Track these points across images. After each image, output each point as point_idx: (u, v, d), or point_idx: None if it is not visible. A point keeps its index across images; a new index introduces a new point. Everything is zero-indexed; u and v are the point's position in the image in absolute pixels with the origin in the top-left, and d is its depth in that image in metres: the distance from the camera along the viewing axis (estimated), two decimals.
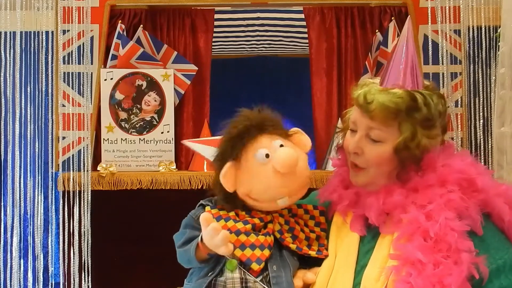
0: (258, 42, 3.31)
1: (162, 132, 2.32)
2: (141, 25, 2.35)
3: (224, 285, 1.35)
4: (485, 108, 2.18)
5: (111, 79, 2.32)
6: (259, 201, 1.40)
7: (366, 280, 1.33)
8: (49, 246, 2.27)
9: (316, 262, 1.43)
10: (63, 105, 2.30)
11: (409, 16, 1.65)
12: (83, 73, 2.29)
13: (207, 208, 1.44)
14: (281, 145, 1.40)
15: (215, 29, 2.48)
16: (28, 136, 2.25)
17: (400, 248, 1.31)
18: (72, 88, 2.30)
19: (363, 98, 1.39)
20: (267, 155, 1.37)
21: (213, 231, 1.28)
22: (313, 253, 1.42)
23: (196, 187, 2.23)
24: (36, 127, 2.26)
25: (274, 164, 1.36)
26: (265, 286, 1.35)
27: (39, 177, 2.28)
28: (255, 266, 1.34)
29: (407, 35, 1.44)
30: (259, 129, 1.42)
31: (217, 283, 1.36)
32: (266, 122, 1.44)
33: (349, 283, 1.36)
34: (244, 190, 1.40)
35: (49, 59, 2.27)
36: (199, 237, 1.35)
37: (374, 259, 1.36)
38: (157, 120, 2.33)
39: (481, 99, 2.18)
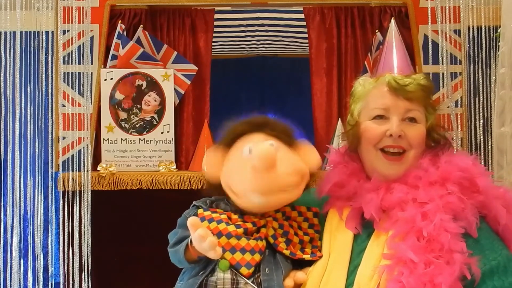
0: (258, 42, 3.31)
1: (162, 132, 2.32)
2: (141, 25, 2.35)
3: (215, 285, 1.35)
4: (485, 108, 2.18)
5: (111, 79, 2.32)
6: (238, 195, 1.39)
7: (360, 278, 1.34)
8: (49, 246, 2.27)
9: (309, 262, 1.44)
10: (63, 105, 2.30)
11: (393, 18, 1.72)
12: (83, 73, 2.29)
13: (200, 210, 1.44)
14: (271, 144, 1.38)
15: (215, 29, 2.48)
16: (28, 136, 2.25)
17: (394, 247, 1.32)
18: (72, 88, 2.30)
19: (395, 82, 1.43)
20: (250, 150, 1.36)
21: (200, 238, 1.28)
22: (307, 257, 1.43)
23: (196, 187, 2.22)
24: (36, 127, 2.26)
25: (252, 157, 1.34)
26: None
27: (39, 177, 2.28)
28: (244, 271, 1.34)
29: (393, 32, 1.59)
30: (258, 128, 1.44)
31: (208, 283, 1.36)
32: (268, 124, 1.45)
33: (341, 283, 1.36)
34: (226, 180, 1.41)
35: (49, 59, 2.27)
36: (189, 240, 1.36)
37: (367, 257, 1.36)
38: (157, 120, 2.33)
39: (481, 99, 2.18)
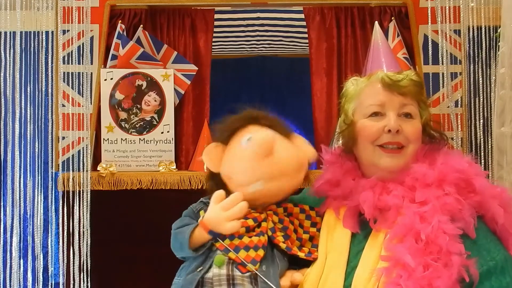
0: (258, 42, 3.31)
1: (162, 132, 2.32)
2: (141, 25, 2.36)
3: (211, 282, 1.35)
4: (485, 108, 2.18)
5: (111, 79, 2.32)
6: (242, 185, 1.41)
7: (358, 280, 1.33)
8: (49, 246, 2.27)
9: (307, 263, 1.43)
10: (63, 105, 2.30)
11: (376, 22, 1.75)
12: (83, 73, 2.29)
13: (201, 212, 1.44)
14: None
15: (215, 29, 2.48)
16: (28, 136, 2.25)
17: (392, 249, 1.31)
18: (72, 88, 2.30)
19: (389, 79, 1.44)
20: (249, 139, 1.39)
21: (230, 202, 1.33)
22: (301, 255, 1.42)
23: (196, 187, 2.22)
24: (36, 127, 2.26)
25: (252, 144, 1.38)
26: (252, 284, 1.35)
27: (39, 177, 2.28)
28: (251, 268, 1.34)
29: (378, 34, 1.67)
30: (252, 120, 1.48)
31: (205, 281, 1.36)
32: (261, 116, 1.49)
33: (339, 285, 1.35)
34: (226, 172, 1.44)
35: (49, 59, 2.27)
36: (196, 224, 1.38)
37: (365, 259, 1.36)
38: (157, 120, 2.33)
39: (481, 99, 2.18)
